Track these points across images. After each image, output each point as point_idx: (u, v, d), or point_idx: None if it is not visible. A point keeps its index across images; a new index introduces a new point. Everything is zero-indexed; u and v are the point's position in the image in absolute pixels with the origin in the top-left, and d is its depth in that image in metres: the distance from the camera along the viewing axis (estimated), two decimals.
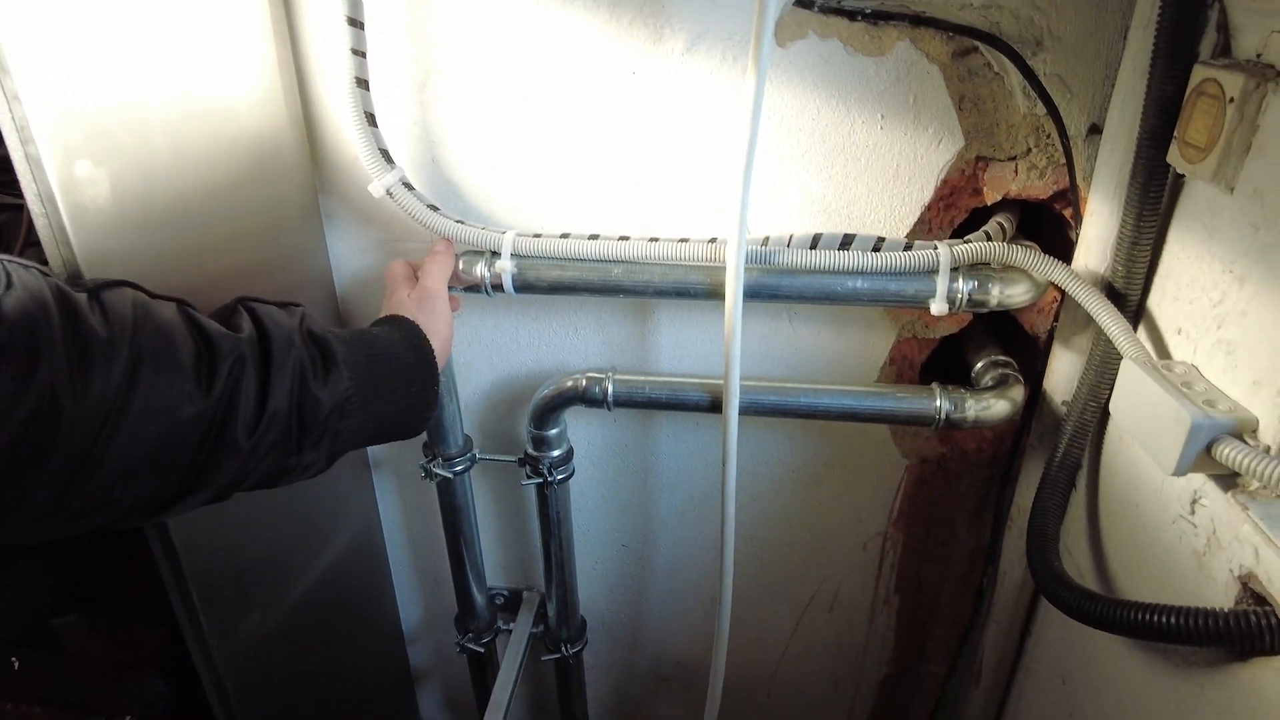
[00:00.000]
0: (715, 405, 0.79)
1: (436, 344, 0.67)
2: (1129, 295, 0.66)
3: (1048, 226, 0.81)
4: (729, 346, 0.70)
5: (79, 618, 0.89)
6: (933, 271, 0.70)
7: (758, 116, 0.60)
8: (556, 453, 0.89)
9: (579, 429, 0.96)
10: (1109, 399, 0.71)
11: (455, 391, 0.90)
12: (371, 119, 0.74)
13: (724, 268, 0.70)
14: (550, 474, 0.89)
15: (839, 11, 0.69)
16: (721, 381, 0.73)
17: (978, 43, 0.68)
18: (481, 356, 0.93)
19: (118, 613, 0.91)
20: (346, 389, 0.57)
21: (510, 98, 0.77)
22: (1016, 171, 0.74)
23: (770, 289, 0.73)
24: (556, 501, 0.91)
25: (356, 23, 0.70)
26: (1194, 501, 0.59)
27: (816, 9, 0.69)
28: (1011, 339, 0.86)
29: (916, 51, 0.69)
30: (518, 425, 0.97)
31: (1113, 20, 0.66)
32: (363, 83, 0.72)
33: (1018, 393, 0.77)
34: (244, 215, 0.74)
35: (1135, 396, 0.59)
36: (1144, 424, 0.58)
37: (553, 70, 0.75)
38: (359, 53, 0.71)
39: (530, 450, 0.89)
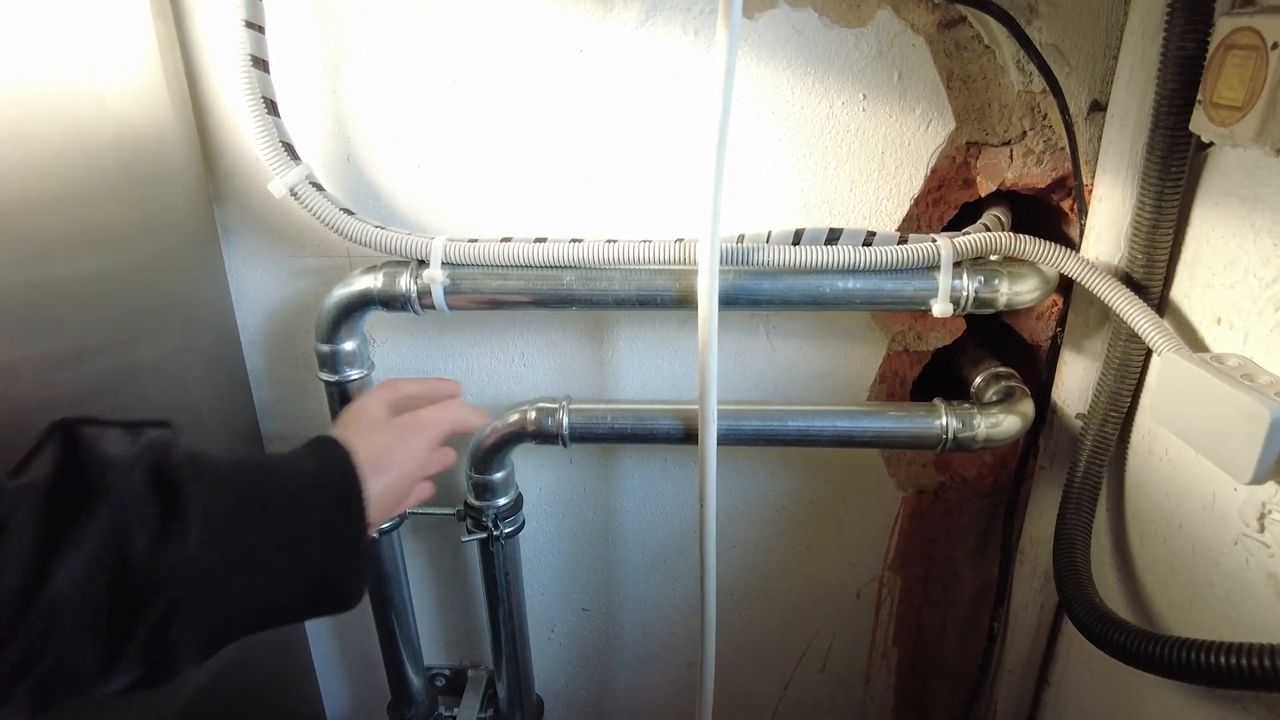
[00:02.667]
0: (689, 435, 0.68)
1: (382, 482, 0.47)
2: (1150, 286, 0.59)
3: (1040, 222, 0.74)
4: (704, 360, 0.59)
5: None
6: (933, 267, 0.62)
7: (729, 91, 0.51)
8: (503, 501, 0.76)
9: (529, 472, 0.83)
10: (1132, 407, 0.63)
11: None
12: (272, 106, 0.62)
13: (694, 270, 0.60)
14: (496, 527, 0.76)
15: None
16: (695, 406, 0.63)
17: (966, 9, 0.61)
18: None
19: None
20: (198, 556, 0.37)
21: (439, 83, 0.67)
22: (1012, 158, 0.66)
23: (749, 293, 0.63)
24: (504, 560, 0.78)
25: None
26: (1262, 516, 0.50)
27: None
28: (1004, 351, 0.78)
29: (900, 21, 0.62)
30: (455, 471, 0.83)
31: None
32: (260, 62, 0.61)
33: (1027, 406, 0.69)
34: (113, 229, 0.60)
35: (1187, 397, 0.50)
36: (1201, 427, 0.49)
37: (487, 49, 0.65)
38: (255, 26, 0.60)
39: (471, 500, 0.76)
